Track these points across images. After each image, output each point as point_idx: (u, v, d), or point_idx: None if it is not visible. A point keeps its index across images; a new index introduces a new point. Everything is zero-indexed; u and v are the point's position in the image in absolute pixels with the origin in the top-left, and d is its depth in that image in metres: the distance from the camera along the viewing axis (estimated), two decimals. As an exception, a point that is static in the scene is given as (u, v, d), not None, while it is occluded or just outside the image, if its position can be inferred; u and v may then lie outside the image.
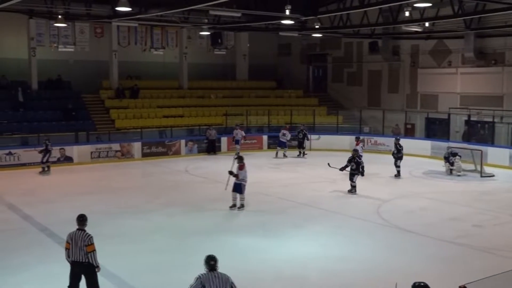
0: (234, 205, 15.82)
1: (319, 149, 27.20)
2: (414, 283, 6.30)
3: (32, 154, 22.78)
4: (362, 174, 18.76)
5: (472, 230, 14.05)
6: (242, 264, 11.24)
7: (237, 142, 26.93)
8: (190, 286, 7.16)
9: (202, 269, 7.27)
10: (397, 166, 21.53)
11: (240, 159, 16.06)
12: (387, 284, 10.07)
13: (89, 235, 8.70)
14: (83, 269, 8.72)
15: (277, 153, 26.68)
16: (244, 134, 27.11)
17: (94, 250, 8.66)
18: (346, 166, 18.22)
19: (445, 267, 11.19)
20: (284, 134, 26.68)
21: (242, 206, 15.81)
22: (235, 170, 15.86)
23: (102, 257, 9.06)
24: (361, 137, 24.22)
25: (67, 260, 8.83)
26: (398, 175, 21.44)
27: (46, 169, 21.87)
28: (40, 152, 21.83)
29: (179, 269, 10.75)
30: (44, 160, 21.79)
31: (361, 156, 21.73)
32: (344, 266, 11.15)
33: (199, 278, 7.19)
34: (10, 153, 22.51)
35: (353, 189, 18.16)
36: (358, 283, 10.40)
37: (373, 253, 12.06)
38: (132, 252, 11.94)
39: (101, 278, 9.06)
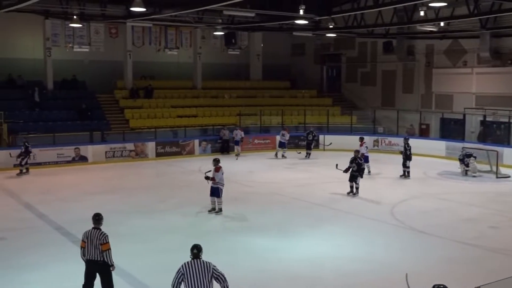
0: (213, 209, 15.50)
1: (333, 149, 27.11)
2: (434, 286, 6.25)
3: (48, 154, 23.04)
4: (361, 176, 18.29)
5: (487, 231, 13.92)
6: (256, 264, 11.24)
7: (236, 143, 26.87)
8: (173, 278, 7.55)
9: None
10: (406, 167, 21.27)
11: (215, 161, 15.61)
12: (401, 286, 9.99)
13: (105, 233, 8.78)
14: (98, 267, 8.78)
15: (276, 154, 26.63)
16: (243, 135, 27.03)
17: (109, 249, 8.73)
18: (349, 168, 17.96)
19: (460, 268, 11.10)
20: (283, 135, 26.56)
21: (220, 210, 15.43)
22: (211, 174, 15.44)
23: (116, 256, 9.12)
24: (365, 138, 23.84)
25: (82, 258, 8.90)
26: (407, 175, 21.18)
27: (24, 171, 21.66)
28: (19, 156, 21.64)
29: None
30: (23, 162, 21.59)
31: (367, 156, 21.75)
32: (358, 267, 11.11)
33: (179, 269, 7.56)
34: (26, 152, 22.73)
35: (354, 191, 17.81)
36: (372, 284, 10.35)
37: (387, 254, 12.00)
38: (145, 251, 11.98)
39: (115, 277, 9.11)
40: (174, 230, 13.80)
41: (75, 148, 23.93)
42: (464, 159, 21.84)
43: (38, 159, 22.78)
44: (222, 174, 15.45)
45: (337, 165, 18.53)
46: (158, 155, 25.68)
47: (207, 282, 7.44)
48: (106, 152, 24.56)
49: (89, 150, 24.26)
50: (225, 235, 13.27)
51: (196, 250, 7.72)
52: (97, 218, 8.93)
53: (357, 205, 16.63)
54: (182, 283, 7.47)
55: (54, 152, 23.40)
